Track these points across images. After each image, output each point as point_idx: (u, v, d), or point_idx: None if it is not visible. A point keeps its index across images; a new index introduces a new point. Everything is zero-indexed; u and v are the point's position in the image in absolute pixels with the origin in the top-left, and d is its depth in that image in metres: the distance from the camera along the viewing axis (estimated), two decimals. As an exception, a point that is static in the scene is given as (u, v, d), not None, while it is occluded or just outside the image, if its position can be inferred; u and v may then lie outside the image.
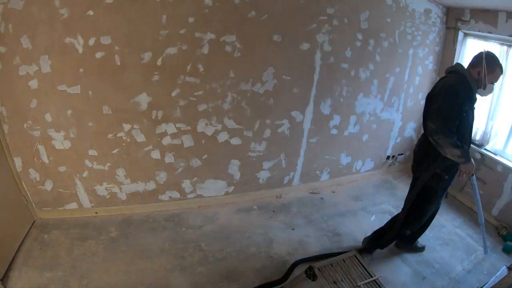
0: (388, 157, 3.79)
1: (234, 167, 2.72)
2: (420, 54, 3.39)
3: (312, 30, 2.62)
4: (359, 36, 2.87)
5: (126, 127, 2.26)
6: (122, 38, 2.05)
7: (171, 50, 2.17)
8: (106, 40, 2.02)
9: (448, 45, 3.53)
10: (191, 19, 2.17)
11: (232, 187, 2.82)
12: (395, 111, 3.49)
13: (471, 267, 2.42)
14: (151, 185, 2.54)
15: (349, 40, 2.84)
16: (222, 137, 2.55)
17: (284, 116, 2.73)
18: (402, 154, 3.90)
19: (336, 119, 3.06)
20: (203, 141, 2.49)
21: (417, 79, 3.51)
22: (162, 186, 2.58)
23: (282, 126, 2.75)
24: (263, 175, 2.89)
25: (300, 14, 2.53)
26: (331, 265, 1.97)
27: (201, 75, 2.31)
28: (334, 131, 3.10)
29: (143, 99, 2.22)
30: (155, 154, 2.41)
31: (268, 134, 2.71)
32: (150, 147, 2.37)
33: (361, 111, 3.22)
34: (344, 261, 2.04)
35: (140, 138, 2.31)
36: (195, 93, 2.33)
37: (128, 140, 2.30)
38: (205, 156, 2.56)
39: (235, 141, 2.61)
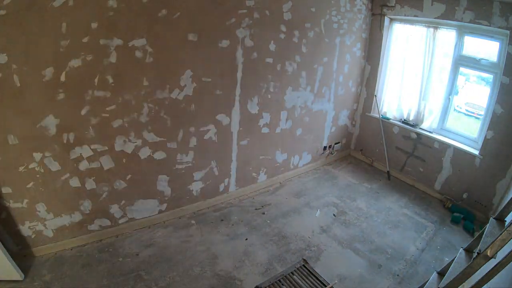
0: (325, 148, 4.78)
1: (163, 183, 3.19)
2: (347, 41, 4.37)
3: (231, 25, 3.19)
4: (283, 28, 3.59)
5: (37, 156, 2.48)
6: (20, 55, 2.25)
7: (75, 63, 2.46)
8: (1, 58, 2.18)
9: (375, 31, 4.60)
10: (94, 25, 2.48)
11: (165, 205, 3.30)
12: (326, 101, 4.43)
13: (424, 245, 3.36)
14: (77, 216, 2.83)
15: (273, 33, 3.54)
16: (144, 152, 2.97)
17: (209, 121, 3.30)
18: (338, 142, 4.96)
19: (266, 117, 3.78)
20: (124, 160, 2.87)
21: (346, 67, 4.49)
22: (89, 215, 2.90)
23: (209, 132, 3.32)
24: (196, 187, 3.45)
25: (216, 9, 3.06)
26: (279, 281, 2.42)
27: (111, 87, 2.65)
28: (265, 130, 3.82)
29: (51, 122, 2.46)
30: (74, 182, 2.69)
31: (195, 143, 3.25)
32: (67, 175, 2.64)
33: (292, 106, 4.02)
34: (293, 274, 2.51)
35: (54, 166, 2.56)
36: (107, 109, 2.67)
37: (42, 170, 2.53)
38: (129, 176, 2.95)
39: (159, 155, 3.06)
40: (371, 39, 4.72)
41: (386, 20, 4.46)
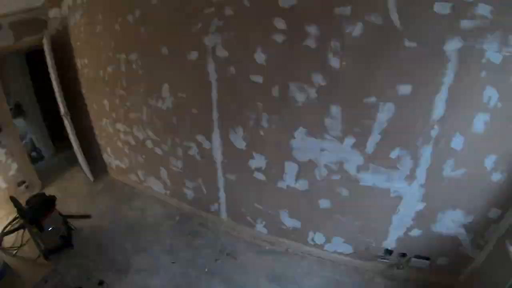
0: (388, 252, 2.44)
1: (163, 173, 3.48)
2: (489, 50, 1.62)
3: (198, 31, 2.40)
4: (280, 24, 2.04)
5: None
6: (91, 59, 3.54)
7: (110, 68, 3.29)
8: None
9: None
10: (113, 44, 3.12)
11: (168, 191, 3.63)
12: (403, 178, 2.07)
13: None
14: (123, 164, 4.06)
15: (260, 35, 2.17)
16: (149, 143, 3.39)
17: (190, 139, 2.93)
18: (428, 258, 2.31)
19: (260, 160, 2.59)
20: (140, 145, 3.50)
21: (479, 120, 1.78)
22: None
23: (192, 149, 2.98)
24: (189, 192, 3.37)
25: (180, 15, 2.46)
26: None
27: (126, 88, 3.23)
28: (259, 176, 2.67)
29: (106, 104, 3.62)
30: (119, 143, 3.81)
31: (181, 153, 3.11)
32: (115, 138, 3.80)
33: (307, 159, 2.37)
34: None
35: (112, 129, 3.77)
36: (126, 103, 3.33)
37: (110, 130, 3.87)
38: (144, 156, 3.59)
39: (158, 150, 3.34)
40: None
41: None
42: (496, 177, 1.94)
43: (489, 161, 1.90)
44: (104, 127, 3.89)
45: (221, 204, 3.24)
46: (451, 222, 2.16)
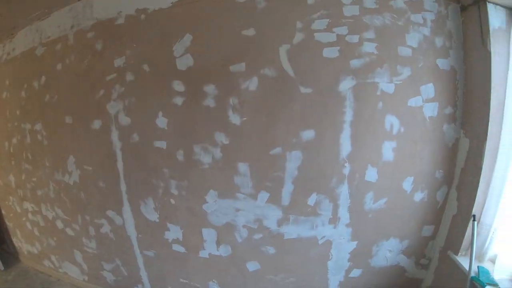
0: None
1: (78, 258, 3.03)
2: (385, 85, 1.75)
3: (101, 99, 2.26)
4: (179, 87, 1.96)
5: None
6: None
7: (14, 140, 3.00)
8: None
9: (472, 47, 1.44)
10: (18, 112, 2.87)
11: (86, 277, 3.13)
12: (327, 222, 1.97)
13: None
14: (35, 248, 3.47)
15: (161, 99, 2.06)
16: (59, 224, 2.98)
17: (101, 216, 2.61)
18: None
19: (175, 231, 2.31)
20: (49, 224, 3.07)
21: (388, 147, 1.82)
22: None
23: (103, 227, 2.64)
24: (109, 276, 2.93)
25: (83, 82, 2.34)
26: None
27: (31, 162, 2.91)
28: (178, 248, 2.36)
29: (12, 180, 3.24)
30: (29, 225, 3.32)
31: (93, 232, 2.74)
32: (24, 218, 3.34)
33: (224, 222, 2.14)
34: None
35: (19, 208, 3.33)
36: (33, 179, 2.97)
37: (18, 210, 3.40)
38: (55, 238, 3.13)
39: (70, 231, 2.93)
40: (466, 69, 1.38)
41: (497, 13, 1.01)
42: (418, 196, 1.95)
43: (407, 184, 1.91)
44: (12, 206, 3.39)
45: (144, 285, 2.80)
46: (388, 253, 2.05)
